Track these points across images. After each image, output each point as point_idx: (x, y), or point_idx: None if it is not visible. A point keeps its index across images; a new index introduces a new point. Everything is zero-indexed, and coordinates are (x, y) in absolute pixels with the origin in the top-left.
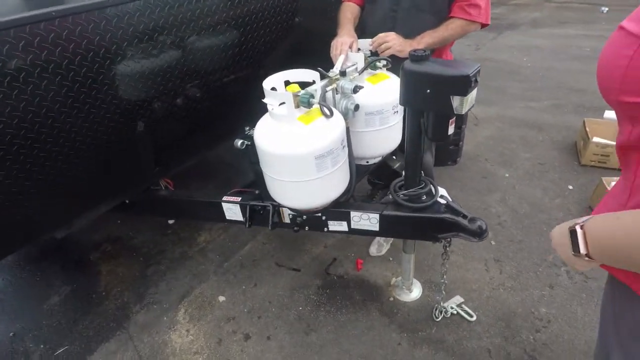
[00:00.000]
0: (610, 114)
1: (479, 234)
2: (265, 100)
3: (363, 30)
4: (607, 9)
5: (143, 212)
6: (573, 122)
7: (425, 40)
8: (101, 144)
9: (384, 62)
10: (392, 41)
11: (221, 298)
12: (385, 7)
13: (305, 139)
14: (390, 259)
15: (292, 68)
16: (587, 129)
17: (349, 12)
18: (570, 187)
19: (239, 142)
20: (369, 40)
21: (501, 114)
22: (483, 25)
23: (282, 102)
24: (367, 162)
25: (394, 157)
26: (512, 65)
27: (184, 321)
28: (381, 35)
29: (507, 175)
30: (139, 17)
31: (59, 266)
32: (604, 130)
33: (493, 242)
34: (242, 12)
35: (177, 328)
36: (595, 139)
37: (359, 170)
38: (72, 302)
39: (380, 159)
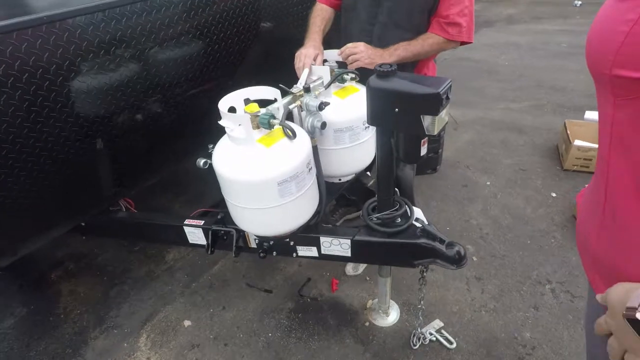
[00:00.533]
0: (592, 115)
1: (457, 260)
2: (221, 123)
3: (338, 40)
4: (580, 2)
5: (101, 235)
6: (554, 124)
7: (398, 53)
8: (56, 161)
9: (352, 74)
10: (361, 53)
11: (186, 322)
12: (362, 19)
13: (266, 164)
14: (367, 278)
15: (262, 78)
16: (569, 131)
17: (319, 19)
18: (554, 195)
19: (201, 162)
20: (336, 51)
21: (481, 117)
22: (465, 43)
23: (240, 123)
24: (340, 179)
25: (368, 173)
26: (490, 64)
27: (145, 348)
28: (350, 45)
29: (488, 183)
30: (94, 30)
31: (17, 286)
32: (585, 132)
33: (475, 258)
34: (204, 21)
35: (137, 356)
36: (577, 142)
37: (330, 189)
38: (27, 325)
39: (353, 176)
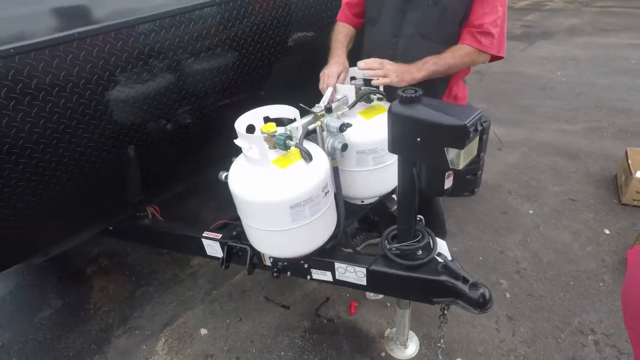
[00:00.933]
0: None
1: (481, 304)
2: (237, 143)
3: (360, 55)
4: None
5: (126, 239)
6: (614, 150)
7: (427, 67)
8: (90, 168)
9: (379, 95)
10: (389, 71)
11: (203, 331)
12: (386, 32)
13: (279, 186)
14: (388, 304)
15: (290, 89)
16: (630, 161)
17: (342, 35)
18: (607, 232)
19: (223, 175)
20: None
21: (529, 138)
22: (496, 58)
23: (255, 144)
24: (362, 202)
25: (393, 196)
26: (545, 80)
27: (162, 352)
28: (371, 61)
29: (531, 211)
30: (134, 42)
31: (56, 277)
32: None
33: (508, 295)
34: (234, 34)
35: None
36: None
37: (353, 210)
38: (60, 317)
39: (376, 199)
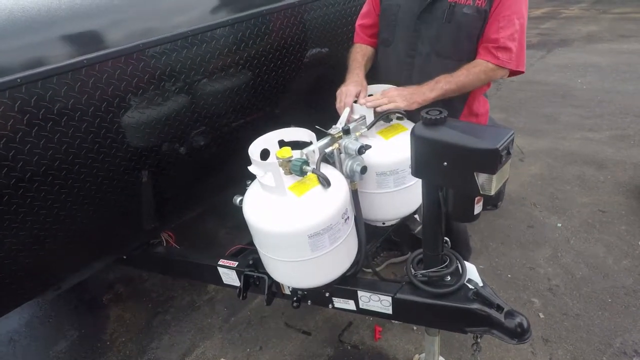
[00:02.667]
0: None
1: (518, 335)
2: (251, 170)
3: (375, 77)
4: None
5: (140, 268)
6: None
7: (440, 86)
8: (102, 196)
9: (398, 114)
10: (393, 97)
11: None
12: (401, 51)
13: (296, 215)
14: (414, 328)
15: (305, 108)
16: None
17: (359, 55)
18: None
19: (237, 200)
20: (383, 86)
21: (553, 147)
22: (515, 73)
23: (270, 171)
24: (383, 224)
25: (416, 216)
26: (565, 87)
27: None
28: (373, 98)
29: (559, 225)
30: (144, 66)
31: (72, 306)
32: None
33: (541, 315)
34: (248, 55)
35: None
36: None
37: (374, 233)
38: (77, 350)
39: (398, 220)
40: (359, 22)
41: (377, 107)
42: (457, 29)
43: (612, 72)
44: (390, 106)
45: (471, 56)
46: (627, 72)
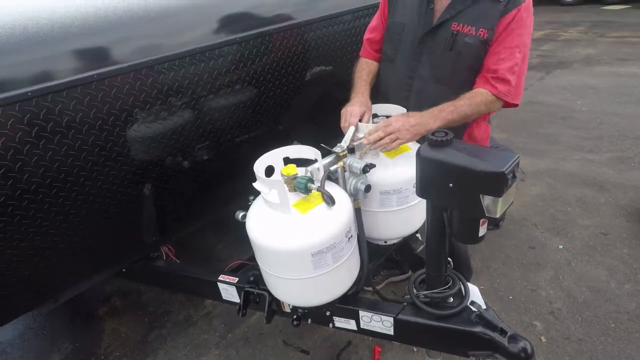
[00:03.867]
0: None
1: (522, 359)
2: (256, 186)
3: (375, 90)
4: None
5: (140, 281)
6: None
7: (443, 116)
8: (105, 209)
9: None
10: (396, 131)
11: None
12: (401, 73)
13: (300, 233)
14: (414, 349)
15: (310, 122)
16: None
17: (365, 72)
18: None
19: (239, 215)
20: (387, 106)
21: (553, 168)
22: (509, 105)
23: (274, 188)
24: (385, 242)
25: (418, 235)
26: (565, 109)
27: None
28: (376, 137)
29: (560, 246)
30: (153, 82)
31: (67, 318)
32: None
33: (543, 339)
34: (253, 71)
35: None
36: None
37: (375, 252)
38: None
39: (400, 239)
40: (367, 35)
41: (382, 147)
42: (458, 57)
43: (611, 95)
44: (395, 145)
45: (469, 85)
46: (625, 95)
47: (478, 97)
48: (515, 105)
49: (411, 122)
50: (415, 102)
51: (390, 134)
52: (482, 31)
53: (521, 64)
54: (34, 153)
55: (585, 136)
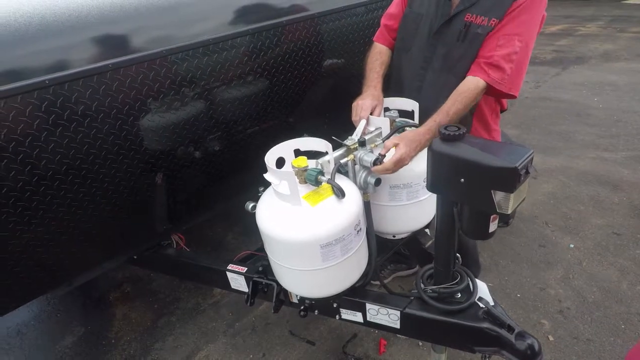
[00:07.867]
0: None
1: (529, 357)
2: (266, 177)
3: (388, 84)
4: None
5: (150, 268)
6: None
7: (440, 120)
8: (119, 196)
9: (414, 127)
10: (402, 157)
11: None
12: (416, 63)
13: (309, 224)
14: (420, 343)
15: (321, 115)
16: None
17: (378, 64)
18: None
19: (249, 206)
20: (399, 100)
21: (566, 166)
22: (507, 96)
23: (285, 179)
24: (394, 236)
25: (427, 230)
26: (580, 106)
27: None
28: (390, 163)
29: (572, 245)
30: (166, 72)
31: (80, 303)
32: None
33: (551, 338)
34: (265, 63)
35: None
36: None
37: (384, 246)
38: (82, 346)
39: (409, 234)
40: (384, 20)
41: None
42: (469, 48)
43: (630, 92)
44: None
45: None
46: None
47: (466, 89)
48: (513, 97)
49: (410, 143)
50: (427, 93)
51: (399, 165)
52: (493, 21)
53: (521, 52)
54: (51, 140)
55: (601, 134)
